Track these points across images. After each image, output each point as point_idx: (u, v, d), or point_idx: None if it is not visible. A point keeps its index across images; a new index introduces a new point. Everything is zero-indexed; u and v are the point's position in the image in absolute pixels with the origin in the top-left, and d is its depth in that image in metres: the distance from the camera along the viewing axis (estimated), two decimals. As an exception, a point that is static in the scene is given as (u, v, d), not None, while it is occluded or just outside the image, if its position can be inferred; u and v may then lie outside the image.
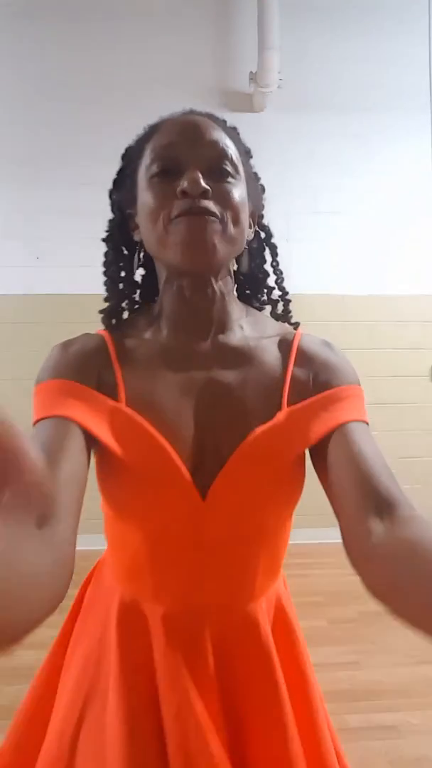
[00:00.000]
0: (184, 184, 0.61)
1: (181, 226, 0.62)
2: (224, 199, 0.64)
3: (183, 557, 0.67)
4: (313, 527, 3.50)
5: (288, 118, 3.36)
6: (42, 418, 0.62)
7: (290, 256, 3.58)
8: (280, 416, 0.65)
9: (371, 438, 0.64)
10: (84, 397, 0.63)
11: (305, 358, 0.71)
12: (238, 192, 0.66)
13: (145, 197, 0.66)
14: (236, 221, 0.65)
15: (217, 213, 0.63)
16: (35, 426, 0.62)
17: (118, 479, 0.66)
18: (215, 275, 0.68)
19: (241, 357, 0.69)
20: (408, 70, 3.40)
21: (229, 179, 0.65)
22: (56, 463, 0.56)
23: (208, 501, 0.63)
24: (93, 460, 0.68)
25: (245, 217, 0.68)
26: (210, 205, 0.62)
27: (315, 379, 0.69)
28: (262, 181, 0.82)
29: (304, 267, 3.36)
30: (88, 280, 4.00)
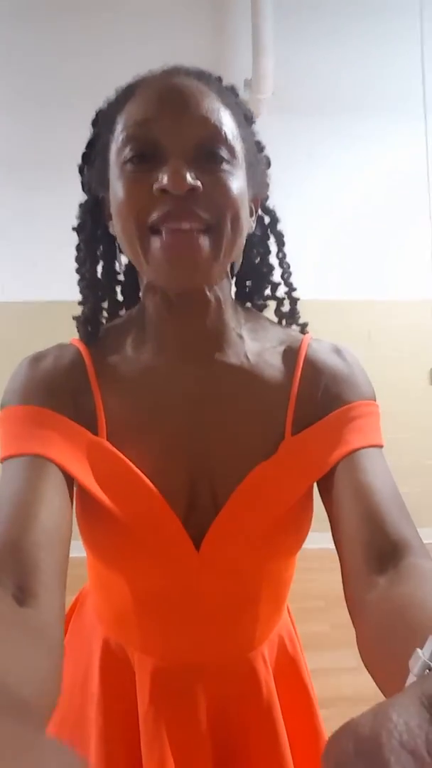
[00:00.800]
0: (163, 179, 0.47)
1: (160, 246, 0.48)
2: (218, 195, 0.49)
3: (174, 610, 0.59)
4: (315, 531, 3.49)
5: (283, 124, 3.38)
6: (12, 456, 0.50)
7: (289, 261, 3.59)
8: (283, 449, 0.56)
9: (384, 466, 0.55)
10: (59, 428, 0.52)
11: (313, 371, 0.60)
12: (236, 183, 0.51)
13: (116, 187, 0.51)
14: (234, 222, 0.51)
15: (208, 219, 0.49)
16: (4, 464, 0.51)
17: (100, 523, 0.55)
18: (208, 287, 0.55)
19: (240, 378, 0.58)
20: (402, 74, 3.42)
21: (224, 165, 0.51)
22: (34, 519, 0.45)
23: (203, 551, 0.54)
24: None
25: (245, 211, 0.54)
26: (199, 210, 0.48)
27: (324, 394, 0.59)
28: (260, 139, 0.69)
29: (300, 272, 3.36)
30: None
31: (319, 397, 0.59)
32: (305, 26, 3.40)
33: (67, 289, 3.24)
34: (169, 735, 0.56)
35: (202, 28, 3.36)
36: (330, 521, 0.56)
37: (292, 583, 0.75)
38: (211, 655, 0.61)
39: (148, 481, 0.53)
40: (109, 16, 3.31)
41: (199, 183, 0.48)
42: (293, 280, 0.76)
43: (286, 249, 0.73)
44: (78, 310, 0.64)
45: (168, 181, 0.46)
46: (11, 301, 3.29)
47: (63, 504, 0.49)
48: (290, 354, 0.62)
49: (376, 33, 3.44)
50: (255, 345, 0.61)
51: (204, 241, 0.49)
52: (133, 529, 0.53)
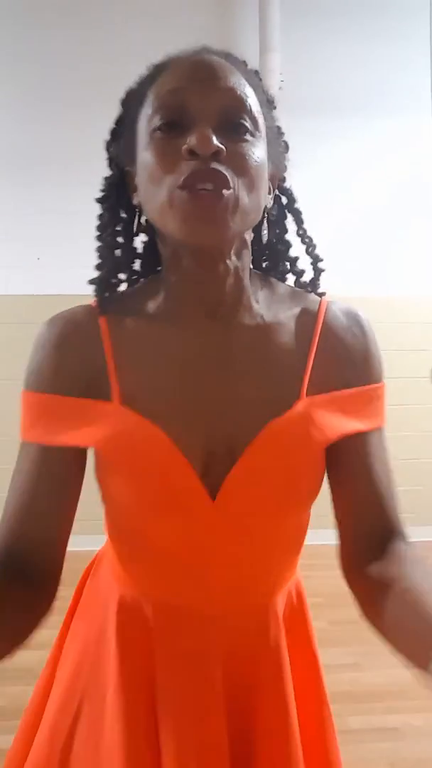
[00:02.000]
0: (192, 141, 0.50)
1: (186, 199, 0.51)
2: (240, 162, 0.52)
3: (190, 561, 0.60)
4: (313, 528, 3.49)
5: (289, 119, 3.32)
6: (25, 441, 0.62)
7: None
8: (299, 406, 0.57)
9: (385, 450, 0.62)
10: (66, 410, 0.59)
11: (331, 337, 0.61)
12: (257, 152, 0.55)
13: (145, 155, 0.55)
14: (252, 188, 0.54)
15: (230, 180, 0.51)
16: (21, 445, 0.64)
17: (118, 480, 0.60)
18: (228, 251, 0.57)
19: (257, 339, 0.59)
20: (409, 72, 3.40)
21: (247, 136, 0.54)
22: (42, 501, 0.59)
23: (218, 502, 0.56)
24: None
25: (263, 183, 0.57)
26: (222, 168, 0.51)
27: (342, 366, 0.61)
28: (279, 123, 0.72)
29: (304, 268, 3.36)
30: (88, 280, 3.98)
31: (335, 366, 0.60)
32: (312, 23, 3.38)
33: (69, 284, 3.25)
34: (184, 687, 0.59)
35: (208, 23, 3.35)
36: (332, 491, 0.62)
37: None
38: (227, 605, 0.63)
39: (164, 435, 0.55)
40: (113, 12, 3.30)
41: (223, 147, 0.51)
42: (317, 252, 0.77)
43: (304, 226, 0.76)
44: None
45: (196, 142, 0.50)
46: (13, 294, 3.28)
47: (72, 489, 0.62)
48: (308, 317, 0.63)
49: (384, 31, 3.42)
50: (272, 309, 0.62)
51: (226, 199, 0.51)
52: (149, 481, 0.57)
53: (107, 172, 0.70)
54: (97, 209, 0.73)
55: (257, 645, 0.64)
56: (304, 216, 0.78)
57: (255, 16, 3.17)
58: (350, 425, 0.58)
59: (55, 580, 0.62)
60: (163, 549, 0.61)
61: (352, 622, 2.72)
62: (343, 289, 3.40)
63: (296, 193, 0.78)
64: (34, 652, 2.38)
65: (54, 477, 0.60)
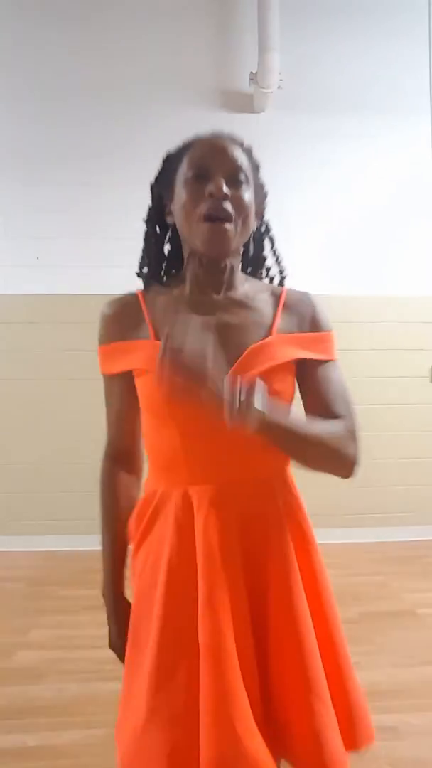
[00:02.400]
0: (210, 188, 0.82)
1: (206, 228, 0.83)
2: (238, 203, 0.84)
3: (206, 440, 0.84)
4: (313, 528, 3.50)
5: (288, 118, 3.36)
6: (103, 374, 0.98)
7: (289, 257, 3.59)
8: (269, 339, 0.88)
9: (339, 375, 0.92)
10: (119, 351, 0.92)
11: (290, 305, 0.94)
12: (248, 196, 0.86)
13: (181, 193, 0.86)
14: (245, 221, 0.86)
15: (232, 215, 0.83)
16: (105, 378, 0.99)
17: (153, 389, 0.82)
18: (227, 257, 0.90)
19: (243, 305, 0.92)
20: (408, 70, 3.40)
21: (243, 187, 0.86)
22: (118, 412, 0.98)
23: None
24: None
25: (251, 218, 0.89)
26: (228, 207, 0.83)
27: (296, 323, 0.93)
28: (263, 180, 0.98)
29: (303, 267, 3.35)
30: (87, 280, 4.00)
31: (292, 322, 0.92)
32: (311, 22, 3.38)
33: (68, 284, 3.23)
34: (211, 547, 0.80)
35: (208, 23, 3.34)
36: (302, 394, 0.92)
37: None
38: (235, 473, 0.86)
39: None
40: (113, 13, 3.30)
41: (229, 193, 0.83)
42: (294, 277, 1.05)
43: (283, 251, 1.04)
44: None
45: (213, 189, 0.82)
46: (13, 294, 3.28)
47: (132, 397, 0.91)
48: (274, 295, 0.95)
49: (383, 30, 3.41)
50: (252, 290, 0.95)
51: (229, 228, 0.83)
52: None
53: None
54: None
55: (265, 510, 0.88)
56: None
57: (254, 16, 3.17)
58: (303, 353, 0.89)
59: (140, 462, 1.01)
60: (189, 433, 0.85)
61: (352, 622, 2.75)
62: (343, 289, 3.42)
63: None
64: (35, 652, 2.38)
65: (118, 396, 0.95)
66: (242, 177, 0.86)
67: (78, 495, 3.35)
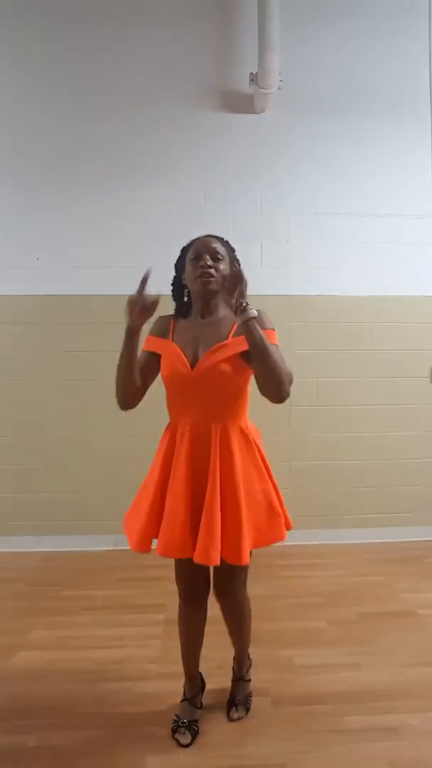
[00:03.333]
0: (202, 262, 1.53)
1: (200, 282, 1.53)
2: (216, 269, 1.53)
3: (189, 396, 1.53)
4: (312, 528, 3.49)
5: (288, 119, 3.36)
6: (143, 350, 1.59)
7: (290, 257, 3.60)
8: (228, 340, 1.52)
9: (278, 350, 1.46)
10: (156, 341, 1.61)
11: None
12: (224, 266, 1.55)
13: (188, 267, 1.57)
14: (222, 277, 1.50)
15: (214, 275, 1.52)
16: (142, 351, 1.58)
17: (166, 367, 1.55)
18: (213, 296, 1.58)
19: (218, 322, 1.58)
20: (408, 70, 3.40)
21: (219, 261, 1.55)
22: (144, 372, 1.57)
23: (195, 371, 1.50)
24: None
25: (227, 272, 1.55)
26: (211, 271, 1.52)
27: None
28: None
29: (304, 267, 3.36)
30: (88, 280, 4.01)
31: None
32: (312, 22, 3.37)
33: (68, 284, 3.23)
34: (184, 450, 1.51)
35: (208, 23, 3.34)
36: (255, 376, 1.48)
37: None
38: (208, 415, 1.52)
39: (179, 349, 1.54)
40: (114, 14, 3.30)
41: (212, 264, 1.53)
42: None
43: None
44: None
45: (203, 262, 1.53)
46: (13, 294, 3.28)
47: (155, 364, 1.59)
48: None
49: (383, 30, 3.41)
50: (225, 313, 1.60)
51: (214, 282, 1.52)
52: (175, 366, 1.52)
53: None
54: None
55: (226, 433, 1.52)
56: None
57: (254, 16, 3.17)
58: (244, 347, 1.46)
59: (141, 390, 1.57)
60: (177, 392, 1.56)
61: (352, 622, 2.75)
62: (343, 289, 3.42)
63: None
64: (35, 652, 2.39)
65: (143, 363, 1.57)
66: (219, 256, 1.55)
67: (79, 495, 3.35)
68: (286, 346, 3.91)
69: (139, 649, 2.09)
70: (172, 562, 1.60)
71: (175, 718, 1.65)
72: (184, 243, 1.62)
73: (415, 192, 3.44)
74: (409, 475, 3.43)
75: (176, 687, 1.76)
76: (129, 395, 1.53)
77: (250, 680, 1.81)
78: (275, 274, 3.31)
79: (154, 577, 2.69)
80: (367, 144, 3.42)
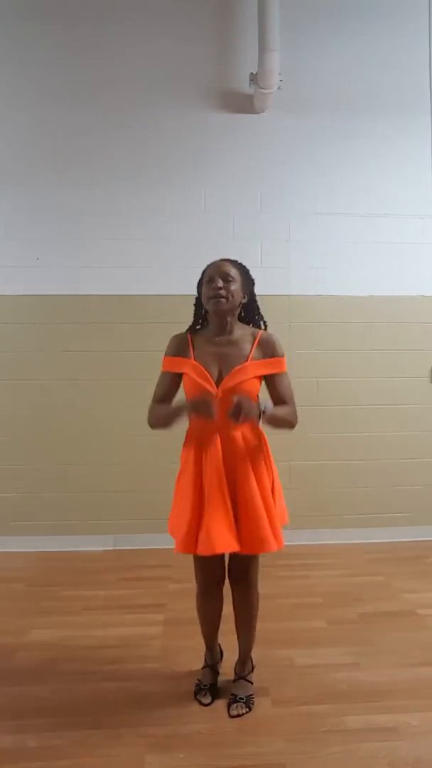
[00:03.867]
0: (214, 284, 1.66)
1: (213, 303, 1.67)
2: (228, 290, 1.66)
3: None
4: (313, 528, 3.49)
5: (288, 119, 3.36)
6: (162, 372, 1.77)
7: (290, 257, 3.60)
8: (246, 362, 1.69)
9: (288, 378, 1.74)
10: (177, 361, 1.73)
11: (261, 343, 1.73)
12: (235, 287, 1.68)
13: (204, 289, 1.70)
14: (232, 297, 1.68)
15: (225, 295, 1.66)
16: (161, 372, 1.77)
17: (189, 385, 1.70)
18: (227, 316, 1.71)
19: (235, 343, 1.72)
20: (408, 70, 3.40)
21: (231, 282, 1.67)
22: (165, 391, 1.77)
23: (220, 389, 1.65)
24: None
25: (238, 295, 1.70)
26: (222, 292, 1.65)
27: (265, 352, 1.73)
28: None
29: (304, 267, 3.36)
30: (88, 280, 4.01)
31: (262, 352, 1.72)
32: (312, 22, 3.38)
33: (68, 284, 3.23)
34: (209, 460, 1.65)
35: (208, 23, 3.34)
36: (268, 390, 1.74)
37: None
38: (220, 424, 1.62)
39: (203, 368, 1.68)
40: (114, 13, 3.30)
41: (224, 287, 1.68)
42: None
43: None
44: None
45: (216, 285, 1.67)
46: (13, 294, 3.28)
47: (175, 386, 1.77)
48: (253, 336, 1.74)
49: (383, 30, 3.41)
50: (241, 333, 1.75)
51: (224, 302, 1.67)
52: (201, 385, 1.66)
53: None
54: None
55: (242, 441, 1.68)
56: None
57: (254, 16, 3.17)
58: (266, 370, 1.71)
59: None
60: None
61: (352, 622, 2.75)
62: (343, 289, 3.43)
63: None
64: (35, 652, 2.38)
65: (169, 383, 1.75)
66: (230, 278, 1.67)
67: (77, 495, 3.35)
68: (287, 347, 3.84)
69: (139, 649, 2.09)
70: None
71: (197, 681, 1.84)
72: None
73: (415, 192, 3.44)
74: (409, 475, 3.43)
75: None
76: (162, 430, 1.75)
77: (252, 683, 1.82)
78: (275, 274, 3.30)
79: (154, 577, 2.69)
80: (367, 144, 3.42)
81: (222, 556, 1.73)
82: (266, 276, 3.35)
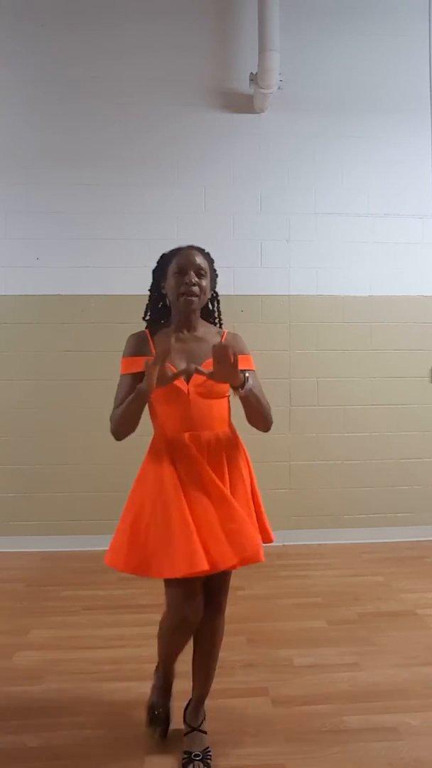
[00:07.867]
0: (186, 278, 1.49)
1: (182, 301, 1.50)
2: (200, 286, 1.51)
3: (182, 414, 1.49)
4: (312, 528, 3.49)
5: (288, 119, 3.37)
6: (123, 374, 1.53)
7: (290, 257, 3.60)
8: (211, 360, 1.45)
9: (257, 376, 1.55)
10: (135, 362, 1.51)
11: (229, 341, 1.55)
12: (206, 282, 1.53)
13: (171, 280, 1.52)
14: (204, 294, 1.53)
15: (197, 292, 1.50)
16: (121, 377, 1.53)
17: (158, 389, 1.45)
18: (193, 312, 1.55)
19: (201, 339, 1.56)
20: (408, 70, 3.40)
21: (203, 277, 1.52)
22: (128, 394, 1.46)
23: (189, 391, 1.48)
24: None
25: (208, 291, 1.56)
26: (196, 289, 1.50)
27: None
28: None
29: (304, 267, 3.36)
30: (87, 280, 4.01)
31: None
32: (312, 21, 3.38)
33: (67, 284, 3.24)
34: (190, 468, 1.46)
35: (208, 22, 3.34)
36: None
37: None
38: (199, 427, 1.49)
39: (174, 368, 1.43)
40: (114, 12, 3.30)
41: (196, 281, 1.50)
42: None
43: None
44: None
45: (188, 279, 1.49)
46: (13, 294, 3.29)
47: (132, 387, 1.44)
48: (219, 335, 1.59)
49: (383, 30, 3.41)
50: (204, 330, 1.59)
51: (195, 300, 1.51)
52: (170, 386, 1.42)
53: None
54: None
55: (215, 441, 1.51)
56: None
57: (254, 16, 3.18)
58: (244, 366, 1.47)
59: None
60: (173, 411, 1.50)
61: (352, 622, 2.74)
62: (343, 289, 3.43)
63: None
64: (35, 652, 2.38)
65: (131, 386, 1.47)
66: (202, 271, 1.51)
67: (77, 495, 3.35)
68: (287, 346, 3.86)
69: (139, 649, 2.09)
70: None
71: (151, 705, 1.61)
72: (185, 243, 1.56)
73: (415, 192, 3.44)
74: (409, 475, 3.43)
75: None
76: (128, 433, 1.48)
77: (206, 732, 1.55)
78: (275, 274, 3.30)
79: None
80: (367, 144, 3.42)
81: (205, 578, 1.44)
82: (266, 276, 3.37)
